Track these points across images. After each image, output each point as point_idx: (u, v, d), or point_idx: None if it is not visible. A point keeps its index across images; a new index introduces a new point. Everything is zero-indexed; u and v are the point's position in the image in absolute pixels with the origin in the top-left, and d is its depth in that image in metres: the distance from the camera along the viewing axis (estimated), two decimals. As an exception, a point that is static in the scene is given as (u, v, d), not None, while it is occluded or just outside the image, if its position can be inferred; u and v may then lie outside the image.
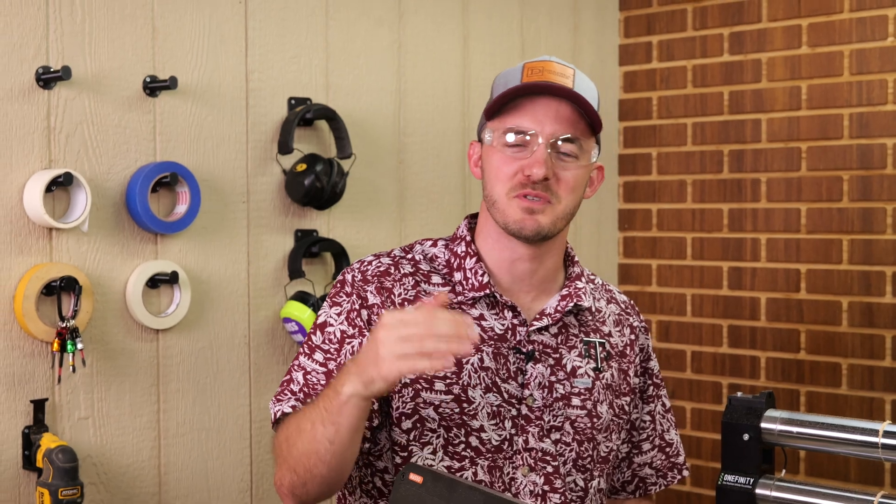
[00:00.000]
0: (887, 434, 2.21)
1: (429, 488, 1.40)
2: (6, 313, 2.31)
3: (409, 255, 1.84)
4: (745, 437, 2.34)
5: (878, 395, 3.18)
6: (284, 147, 2.73)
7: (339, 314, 1.78)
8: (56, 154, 2.37)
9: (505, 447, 1.76)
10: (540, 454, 1.78)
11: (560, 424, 1.79)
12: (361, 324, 1.76)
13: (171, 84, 2.48)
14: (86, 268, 2.42)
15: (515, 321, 1.79)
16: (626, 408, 1.91)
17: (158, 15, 2.54)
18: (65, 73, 2.31)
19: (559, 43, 3.49)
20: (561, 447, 1.79)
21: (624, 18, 3.71)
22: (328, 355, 1.76)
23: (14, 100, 2.31)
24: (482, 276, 1.78)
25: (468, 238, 1.83)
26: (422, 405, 1.74)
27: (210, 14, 2.63)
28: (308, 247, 2.79)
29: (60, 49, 2.37)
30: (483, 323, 1.77)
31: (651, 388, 1.98)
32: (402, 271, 1.80)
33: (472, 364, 1.75)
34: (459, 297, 1.78)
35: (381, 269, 1.81)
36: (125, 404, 2.49)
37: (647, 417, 1.98)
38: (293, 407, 1.73)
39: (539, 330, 1.80)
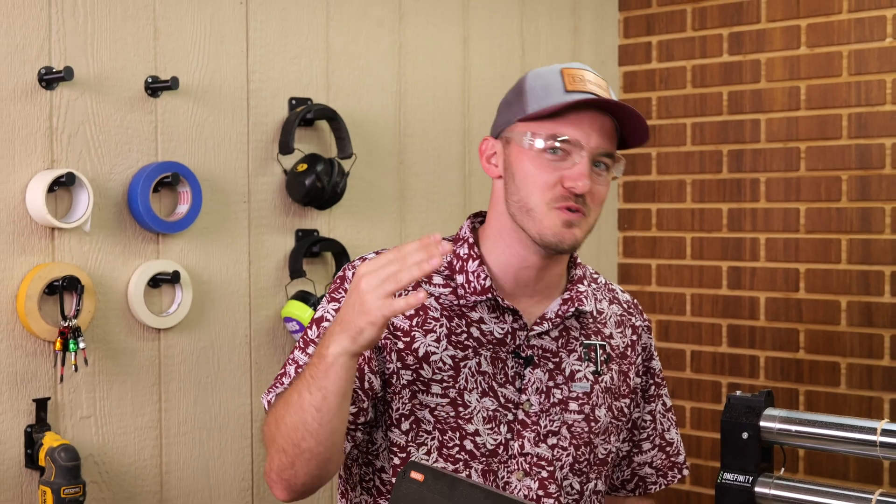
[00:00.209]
0: (885, 432, 2.21)
1: (430, 486, 1.41)
2: (9, 313, 2.32)
3: None
4: (745, 435, 2.35)
5: (877, 395, 3.19)
6: (285, 147, 2.74)
7: (336, 310, 1.76)
8: (58, 154, 2.38)
9: (500, 451, 1.76)
10: (535, 459, 1.77)
11: (557, 429, 1.79)
12: None
13: (172, 84, 2.49)
14: (88, 267, 2.43)
15: (515, 325, 1.78)
16: (626, 409, 1.90)
17: (160, 15, 2.55)
18: (67, 74, 2.32)
19: (559, 43, 3.50)
20: (557, 451, 1.79)
21: (623, 19, 3.72)
22: None
23: (16, 100, 2.32)
24: (484, 279, 1.76)
25: (471, 240, 1.81)
26: (418, 407, 1.74)
27: (211, 15, 2.64)
28: (309, 246, 2.80)
29: (63, 50, 2.38)
30: (483, 326, 1.77)
31: (652, 387, 1.98)
32: None
33: (470, 368, 1.75)
34: (461, 301, 1.77)
35: None
36: (127, 403, 2.50)
37: (648, 417, 1.98)
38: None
39: (539, 334, 1.79)
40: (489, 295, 1.76)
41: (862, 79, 3.20)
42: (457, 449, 1.74)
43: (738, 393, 2.42)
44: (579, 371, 1.82)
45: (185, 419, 2.61)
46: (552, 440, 1.78)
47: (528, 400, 1.77)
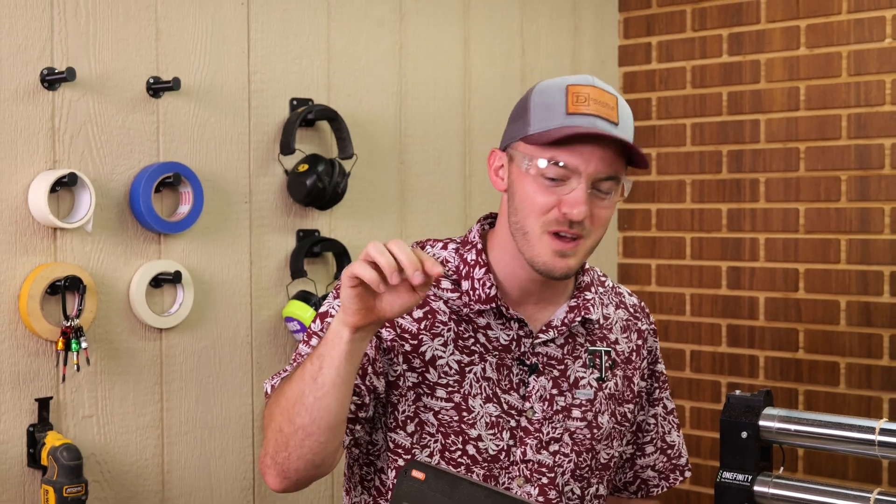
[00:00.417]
0: (884, 432, 2.22)
1: (431, 485, 1.41)
2: (11, 313, 2.32)
3: None
4: (744, 434, 2.36)
5: (876, 394, 3.20)
6: (286, 147, 2.75)
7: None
8: (60, 154, 2.39)
9: (502, 457, 1.76)
10: (536, 466, 1.78)
11: (559, 436, 1.79)
12: None
13: (174, 85, 2.50)
14: (90, 267, 2.43)
15: (521, 332, 1.77)
16: (629, 414, 1.90)
17: (162, 16, 2.55)
18: (69, 75, 2.33)
19: (559, 44, 3.51)
20: (559, 458, 1.79)
21: (623, 19, 3.72)
22: None
23: (19, 101, 2.33)
24: (490, 288, 1.75)
25: (479, 245, 1.79)
26: (422, 409, 1.74)
27: (213, 15, 2.65)
28: (310, 247, 2.81)
29: (65, 50, 2.39)
30: (489, 333, 1.76)
31: (656, 391, 1.97)
32: None
33: (475, 373, 1.75)
34: (466, 308, 1.77)
35: None
36: (129, 403, 2.51)
37: (652, 420, 1.97)
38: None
39: (544, 342, 1.79)
40: (494, 304, 1.75)
41: (861, 79, 3.21)
42: (459, 453, 1.75)
43: (738, 392, 2.43)
44: (583, 378, 1.81)
45: (187, 419, 2.62)
46: (554, 447, 1.78)
47: (532, 407, 1.77)
